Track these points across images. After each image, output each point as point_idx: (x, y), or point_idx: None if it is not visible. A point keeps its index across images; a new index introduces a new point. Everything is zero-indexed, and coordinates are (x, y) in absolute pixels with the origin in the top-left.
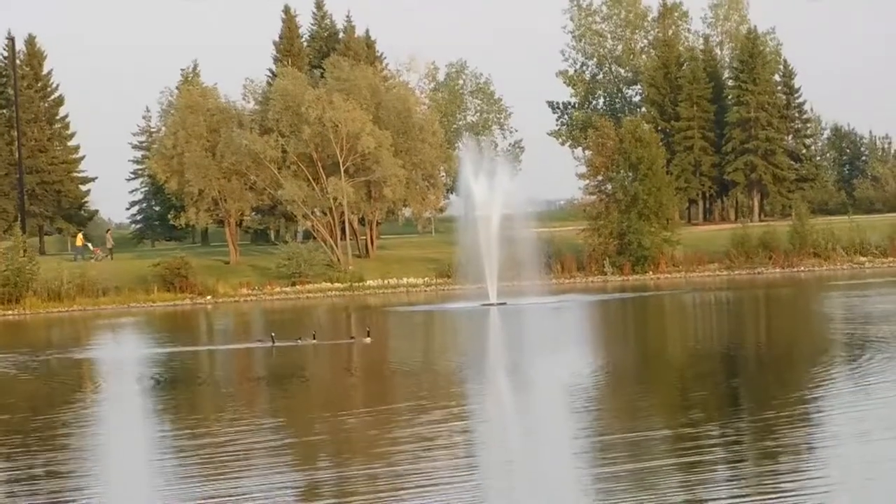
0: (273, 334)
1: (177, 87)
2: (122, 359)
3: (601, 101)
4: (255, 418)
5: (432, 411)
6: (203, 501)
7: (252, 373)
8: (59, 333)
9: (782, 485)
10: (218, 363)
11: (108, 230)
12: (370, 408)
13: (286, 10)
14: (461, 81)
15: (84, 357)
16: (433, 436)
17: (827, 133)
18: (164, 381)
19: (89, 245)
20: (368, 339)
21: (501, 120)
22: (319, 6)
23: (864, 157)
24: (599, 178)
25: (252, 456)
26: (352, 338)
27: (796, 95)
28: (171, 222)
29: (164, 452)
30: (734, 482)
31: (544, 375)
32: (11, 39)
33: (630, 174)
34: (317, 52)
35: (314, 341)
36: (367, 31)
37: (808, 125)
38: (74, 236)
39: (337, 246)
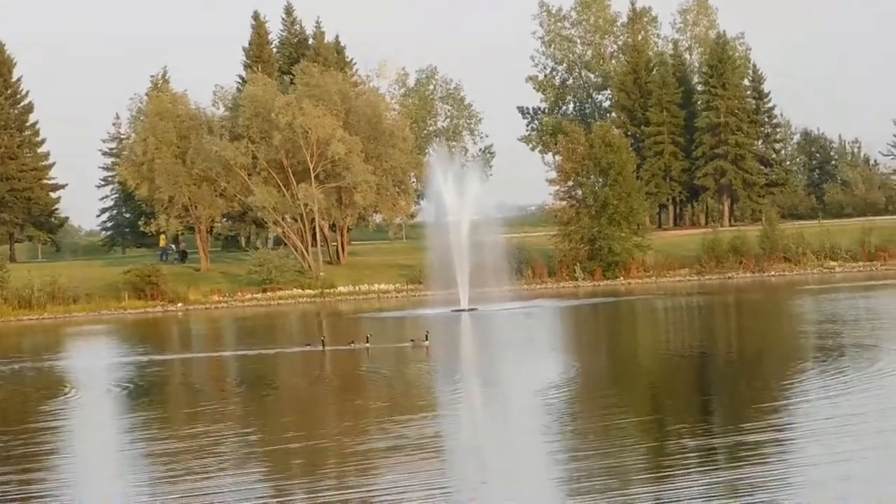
0: (323, 338)
1: (147, 94)
2: (209, 362)
3: (571, 106)
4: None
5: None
6: None
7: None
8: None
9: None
10: (300, 366)
11: (181, 234)
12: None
13: (256, 16)
14: (431, 87)
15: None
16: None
17: (797, 138)
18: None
19: (173, 246)
20: (427, 343)
21: (472, 125)
22: (289, 12)
23: (833, 162)
24: (570, 183)
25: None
26: (412, 340)
27: (766, 100)
28: (142, 229)
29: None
30: (706, 484)
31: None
32: None
33: (600, 179)
34: (287, 58)
35: (368, 345)
36: (337, 37)
37: (778, 130)
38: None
39: (308, 252)
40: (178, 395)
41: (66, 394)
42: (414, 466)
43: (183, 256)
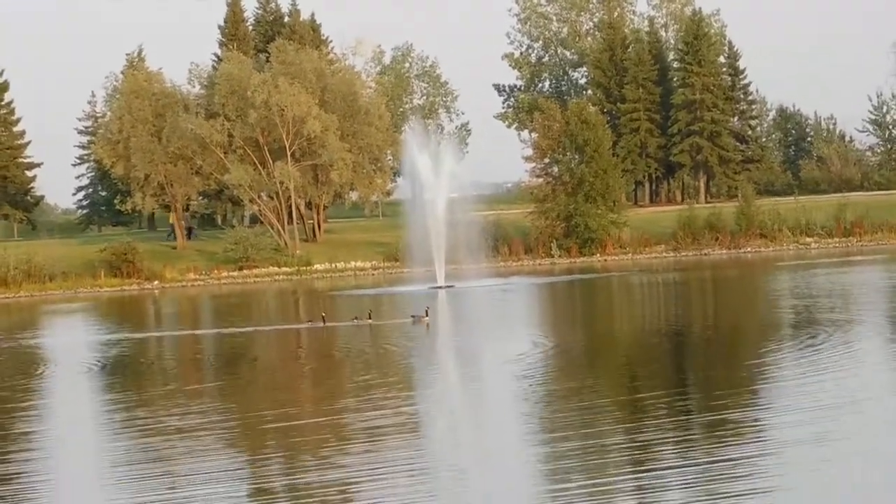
0: (324, 315)
1: (122, 72)
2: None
3: (547, 83)
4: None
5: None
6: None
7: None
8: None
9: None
10: (306, 343)
11: (187, 213)
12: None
13: None
14: (407, 65)
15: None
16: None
17: (772, 114)
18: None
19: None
20: (427, 319)
21: (448, 103)
22: None
23: (809, 138)
24: (546, 160)
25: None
26: (413, 316)
27: (741, 77)
28: (118, 207)
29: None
30: (683, 461)
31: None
32: None
33: (576, 156)
34: (262, 35)
35: (370, 321)
36: (313, 15)
37: (754, 106)
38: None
39: (284, 230)
40: (191, 371)
41: (41, 372)
42: (396, 446)
43: (189, 233)
